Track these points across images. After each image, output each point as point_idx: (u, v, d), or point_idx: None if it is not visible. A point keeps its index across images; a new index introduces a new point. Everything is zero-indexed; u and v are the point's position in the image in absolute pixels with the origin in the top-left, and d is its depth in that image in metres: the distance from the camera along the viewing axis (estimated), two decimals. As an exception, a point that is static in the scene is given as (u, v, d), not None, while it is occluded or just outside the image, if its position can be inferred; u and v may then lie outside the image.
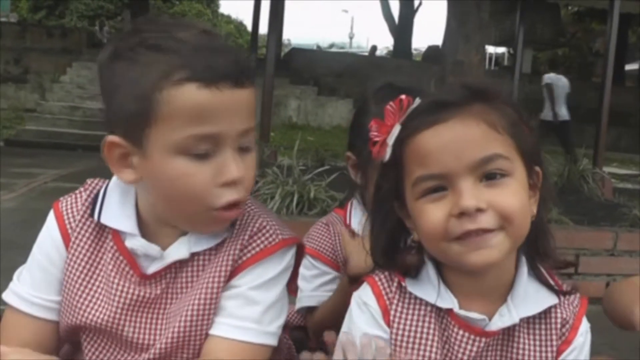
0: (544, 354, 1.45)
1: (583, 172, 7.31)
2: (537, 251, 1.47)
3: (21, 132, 14.56)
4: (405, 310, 1.45)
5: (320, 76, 19.83)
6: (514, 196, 1.33)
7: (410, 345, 1.43)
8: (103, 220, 1.48)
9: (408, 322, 1.44)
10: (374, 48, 34.02)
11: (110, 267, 1.48)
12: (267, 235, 1.49)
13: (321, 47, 49.99)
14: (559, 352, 1.46)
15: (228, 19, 51.68)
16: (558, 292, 1.47)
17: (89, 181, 1.58)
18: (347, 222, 2.12)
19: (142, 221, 1.48)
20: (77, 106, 16.12)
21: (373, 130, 1.44)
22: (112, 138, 1.37)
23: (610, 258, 4.82)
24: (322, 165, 6.33)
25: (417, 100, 1.42)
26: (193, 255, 1.47)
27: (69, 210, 1.54)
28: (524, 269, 1.45)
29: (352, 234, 2.10)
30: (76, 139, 13.97)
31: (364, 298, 1.48)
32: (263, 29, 11.18)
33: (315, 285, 2.05)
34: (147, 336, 1.48)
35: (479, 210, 1.30)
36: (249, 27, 15.49)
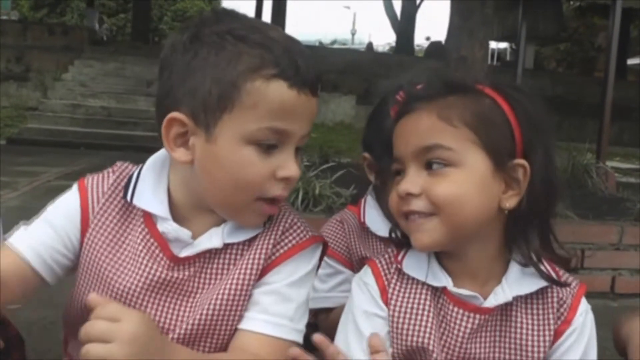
0: (541, 332, 1.51)
1: (587, 166, 7.30)
2: (518, 242, 1.51)
3: (23, 131, 14.55)
4: (402, 290, 1.55)
5: (322, 72, 19.78)
6: (451, 185, 1.42)
7: (407, 322, 1.52)
8: (136, 202, 1.50)
9: (405, 301, 1.54)
10: (370, 45, 34.16)
11: (140, 248, 1.49)
12: (299, 231, 1.55)
13: (323, 43, 49.90)
14: (560, 333, 1.51)
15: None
16: (551, 280, 1.51)
17: (118, 164, 1.61)
18: (362, 219, 2.12)
19: (173, 206, 1.50)
20: (80, 104, 16.13)
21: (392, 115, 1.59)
22: (176, 114, 1.40)
23: (616, 252, 4.81)
24: (326, 162, 6.33)
25: None
26: (226, 246, 1.50)
27: (94, 189, 1.56)
28: (518, 256, 1.51)
29: (366, 230, 2.10)
30: (79, 137, 13.98)
31: (364, 278, 1.59)
32: (265, 25, 11.18)
33: (330, 286, 2.05)
34: (168, 320, 1.48)
35: (410, 194, 1.45)
36: (251, 24, 15.42)
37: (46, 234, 1.52)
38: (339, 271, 2.09)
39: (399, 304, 1.53)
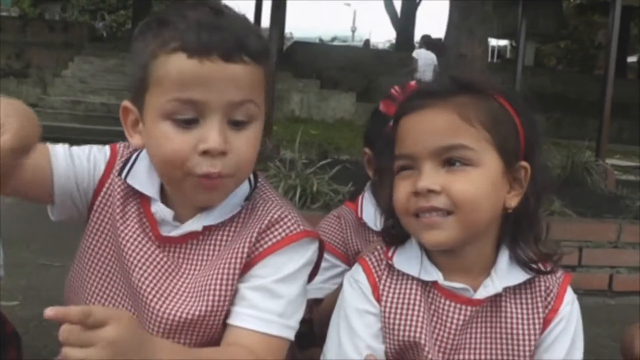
0: (530, 321, 1.54)
1: (586, 164, 7.30)
2: (516, 241, 1.55)
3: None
4: (393, 286, 1.56)
5: (322, 69, 19.80)
6: (471, 184, 1.44)
7: (398, 317, 1.54)
8: (129, 181, 1.53)
9: (396, 296, 1.55)
10: (367, 42, 34.25)
11: (136, 226, 1.53)
12: (289, 224, 1.53)
13: (323, 40, 49.83)
14: (548, 321, 1.55)
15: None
16: (537, 271, 1.55)
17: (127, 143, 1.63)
18: (359, 215, 2.14)
19: (165, 193, 1.54)
20: (79, 100, 16.13)
21: (381, 108, 1.64)
22: (125, 103, 1.50)
23: (614, 250, 4.81)
24: (325, 159, 6.32)
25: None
26: (208, 231, 1.52)
27: (119, 156, 1.60)
28: (506, 250, 1.55)
29: (363, 226, 2.11)
30: (78, 134, 13.94)
31: (355, 276, 1.60)
32: (265, 22, 11.17)
33: (324, 278, 2.06)
34: (157, 300, 1.49)
35: (432, 191, 1.43)
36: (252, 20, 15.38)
37: (76, 161, 1.57)
38: (334, 265, 2.10)
39: (390, 299, 1.55)
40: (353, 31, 70.60)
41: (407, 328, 1.52)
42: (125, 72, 17.69)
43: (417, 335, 1.51)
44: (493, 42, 34.30)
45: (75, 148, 1.61)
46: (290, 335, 1.50)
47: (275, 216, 1.53)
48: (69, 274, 1.62)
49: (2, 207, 2.61)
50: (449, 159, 1.45)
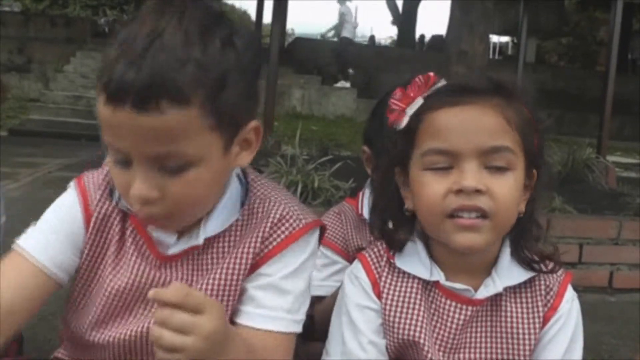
0: (530, 320, 1.53)
1: (587, 161, 7.30)
2: (519, 244, 1.54)
3: (25, 122, 14.55)
4: (394, 283, 1.55)
5: (324, 66, 19.78)
6: (509, 189, 1.42)
7: (398, 315, 1.53)
8: (122, 207, 1.49)
9: (396, 294, 1.54)
10: (372, 38, 34.07)
11: (131, 247, 1.49)
12: (291, 221, 1.50)
13: (325, 36, 49.70)
14: (547, 319, 1.54)
15: (232, 9, 51.54)
16: (539, 271, 1.55)
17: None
18: (359, 211, 2.15)
19: None
20: (81, 96, 16.11)
21: (395, 98, 1.52)
22: None
23: (614, 247, 4.81)
24: (325, 155, 6.34)
25: (443, 81, 1.51)
26: (209, 242, 1.47)
27: (92, 188, 1.53)
28: (508, 249, 1.54)
29: (363, 222, 2.12)
30: (80, 129, 13.96)
31: (355, 272, 1.59)
32: (267, 18, 11.17)
33: (325, 275, 2.07)
34: None
35: (478, 191, 1.38)
36: (253, 17, 15.39)
37: (52, 239, 1.48)
38: (334, 261, 2.11)
39: (390, 297, 1.54)
40: (354, 27, 70.51)
41: (407, 327, 1.52)
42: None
43: (417, 334, 1.51)
44: (494, 38, 34.26)
45: (43, 228, 1.51)
46: (298, 328, 1.50)
47: (277, 216, 1.50)
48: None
49: (5, 201, 2.61)
50: (493, 161, 1.41)
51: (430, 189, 1.43)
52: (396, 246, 1.57)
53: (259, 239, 1.48)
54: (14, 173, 8.27)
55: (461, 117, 1.42)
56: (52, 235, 1.49)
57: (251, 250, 1.47)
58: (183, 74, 1.21)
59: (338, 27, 20.25)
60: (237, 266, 1.46)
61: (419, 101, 1.49)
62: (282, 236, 1.49)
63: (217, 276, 1.46)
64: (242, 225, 1.50)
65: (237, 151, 1.40)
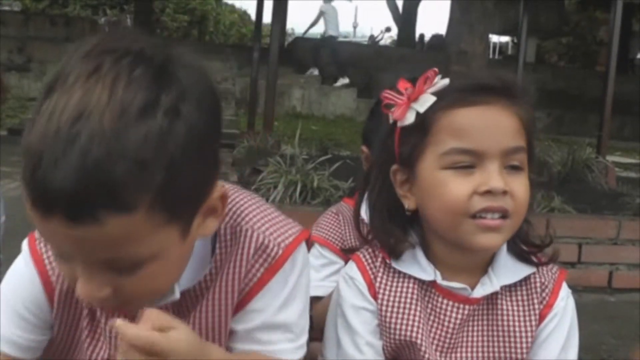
0: (527, 317, 1.54)
1: (587, 160, 7.30)
2: (514, 238, 1.53)
3: (25, 121, 14.51)
4: (389, 283, 1.54)
5: (324, 65, 19.76)
6: (525, 188, 1.44)
7: (394, 316, 1.52)
8: None
9: (393, 294, 1.53)
10: (372, 38, 34.10)
11: (105, 318, 1.36)
12: (268, 251, 1.35)
13: (324, 36, 49.63)
14: (542, 317, 1.54)
15: (232, 9, 51.48)
16: (536, 264, 1.56)
17: None
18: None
19: None
20: (81, 95, 16.10)
21: (395, 93, 1.50)
22: None
23: (613, 247, 4.81)
24: (325, 154, 6.34)
25: (444, 80, 1.47)
26: (187, 291, 1.32)
27: (46, 258, 1.34)
28: (504, 247, 1.53)
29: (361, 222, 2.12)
30: (79, 128, 13.95)
31: (350, 273, 1.57)
32: (267, 18, 11.16)
33: (323, 275, 2.06)
34: None
35: (504, 192, 1.38)
36: (253, 17, 15.38)
37: (18, 326, 1.34)
38: (333, 261, 2.10)
39: (386, 297, 1.54)
40: (355, 27, 70.47)
41: (404, 327, 1.52)
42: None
43: (414, 334, 1.51)
44: (494, 38, 34.25)
45: (8, 320, 1.34)
46: (303, 352, 1.42)
47: (253, 249, 1.35)
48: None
49: (4, 200, 2.60)
50: (511, 160, 1.43)
51: (453, 188, 1.41)
52: (398, 252, 1.55)
53: (241, 274, 1.34)
54: (13, 172, 8.25)
55: (485, 117, 1.42)
56: (15, 319, 1.34)
57: (235, 287, 1.35)
58: (120, 174, 0.97)
59: (313, 26, 20.33)
60: (221, 306, 1.35)
61: (429, 97, 1.46)
62: (262, 269, 1.35)
63: (200, 319, 1.35)
64: (218, 266, 1.35)
65: (199, 222, 1.19)
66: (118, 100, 0.99)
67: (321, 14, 19.45)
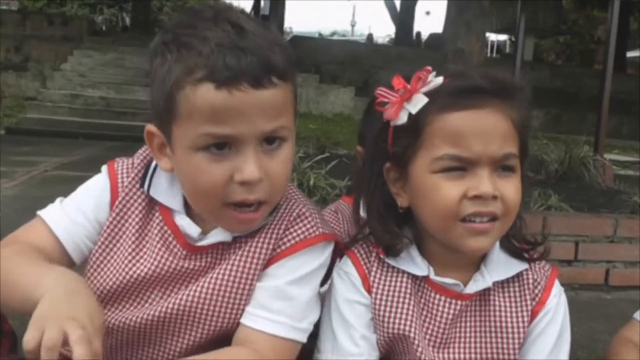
0: (519, 313, 1.55)
1: (584, 159, 7.29)
2: (507, 235, 1.55)
3: (22, 121, 14.50)
4: (383, 278, 1.56)
5: (322, 64, 19.77)
6: (516, 192, 1.45)
7: (388, 310, 1.54)
8: (152, 194, 1.52)
9: (386, 289, 1.55)
10: (370, 37, 34.17)
11: (156, 237, 1.52)
12: (308, 225, 1.53)
13: (323, 35, 49.76)
14: (535, 313, 1.56)
15: (229, 7, 51.31)
16: (528, 260, 1.58)
17: (144, 148, 1.61)
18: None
19: (187, 202, 1.52)
20: (78, 94, 16.07)
21: (389, 91, 1.52)
22: (149, 127, 1.46)
23: (610, 245, 4.80)
24: (322, 153, 6.34)
25: (438, 78, 1.48)
26: (236, 239, 1.51)
27: (123, 174, 1.59)
28: (497, 244, 1.55)
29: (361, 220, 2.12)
30: (77, 127, 13.94)
31: (344, 268, 1.59)
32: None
33: None
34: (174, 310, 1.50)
35: (494, 197, 1.40)
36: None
37: (78, 218, 1.55)
38: None
39: (380, 292, 1.55)
40: (353, 25, 70.51)
41: (397, 321, 1.53)
42: (124, 66, 17.70)
43: (407, 329, 1.52)
44: (492, 37, 34.33)
45: (70, 205, 1.57)
46: (300, 337, 1.50)
47: (295, 214, 1.54)
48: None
49: (2, 200, 2.61)
50: (502, 166, 1.45)
51: (444, 193, 1.44)
52: (394, 249, 1.56)
53: (278, 236, 1.51)
54: (10, 172, 8.25)
55: (477, 123, 1.42)
56: (79, 216, 1.56)
57: (271, 246, 1.49)
58: (277, 54, 1.37)
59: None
60: (254, 263, 1.48)
61: (422, 98, 1.47)
62: (297, 238, 1.51)
63: (235, 271, 1.48)
64: (267, 226, 1.52)
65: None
66: (246, 17, 1.42)
67: None
